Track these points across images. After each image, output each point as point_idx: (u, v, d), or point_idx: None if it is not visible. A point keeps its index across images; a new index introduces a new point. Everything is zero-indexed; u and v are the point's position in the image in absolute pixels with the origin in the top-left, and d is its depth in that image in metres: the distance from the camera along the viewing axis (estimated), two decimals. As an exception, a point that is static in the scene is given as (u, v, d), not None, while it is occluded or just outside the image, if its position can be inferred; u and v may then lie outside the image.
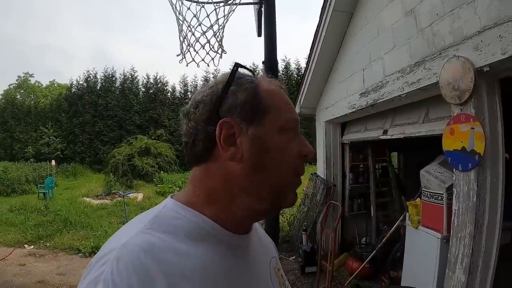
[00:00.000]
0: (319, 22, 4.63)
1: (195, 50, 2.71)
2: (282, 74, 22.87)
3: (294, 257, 5.64)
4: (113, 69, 24.48)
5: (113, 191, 11.46)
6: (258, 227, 0.82)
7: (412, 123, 3.41)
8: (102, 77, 24.12)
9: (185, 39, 2.63)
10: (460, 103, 2.27)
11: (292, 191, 0.66)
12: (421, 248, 3.03)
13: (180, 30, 2.62)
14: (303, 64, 21.40)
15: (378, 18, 3.45)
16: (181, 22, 2.60)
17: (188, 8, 2.46)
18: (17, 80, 32.72)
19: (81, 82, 24.53)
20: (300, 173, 0.67)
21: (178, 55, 2.68)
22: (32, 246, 6.74)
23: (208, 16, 2.50)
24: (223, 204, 0.63)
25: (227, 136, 0.61)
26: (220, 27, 2.66)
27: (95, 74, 24.43)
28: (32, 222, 8.30)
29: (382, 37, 3.39)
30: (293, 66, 22.94)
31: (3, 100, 27.49)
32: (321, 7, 4.41)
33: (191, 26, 2.60)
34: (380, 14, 3.40)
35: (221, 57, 2.81)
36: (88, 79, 24.26)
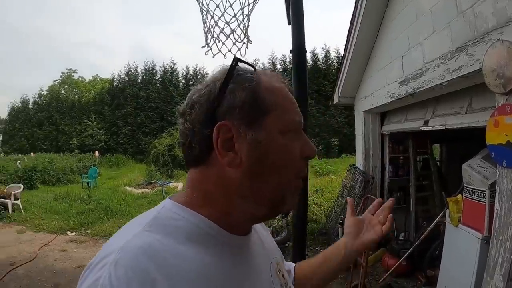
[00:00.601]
0: (355, 8, 4.43)
1: (220, 41, 2.68)
2: (322, 62, 22.45)
3: (330, 250, 5.55)
4: (153, 62, 25.42)
5: (152, 181, 11.89)
6: (260, 228, 0.80)
7: (454, 113, 3.17)
8: (143, 71, 25.09)
9: (209, 30, 2.61)
10: (505, 92, 2.05)
11: (292, 195, 0.63)
12: (460, 247, 2.84)
13: (204, 21, 2.60)
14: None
15: (416, 1, 3.22)
16: (205, 13, 2.58)
17: (211, -1, 2.43)
18: (61, 76, 34.96)
19: (122, 76, 25.74)
20: (302, 176, 0.64)
21: (203, 47, 2.67)
22: (74, 233, 7.13)
23: (231, 5, 2.45)
24: (220, 208, 0.61)
25: (225, 141, 0.58)
26: (245, 16, 2.61)
27: (135, 67, 25.49)
28: (75, 210, 8.77)
29: (421, 21, 3.16)
30: (333, 54, 22.42)
31: (48, 96, 29.49)
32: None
33: (215, 16, 2.57)
34: (418, -3, 3.17)
35: (247, 47, 2.77)
36: (129, 72, 25.33)
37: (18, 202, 8.83)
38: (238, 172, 0.58)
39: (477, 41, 2.30)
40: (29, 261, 5.30)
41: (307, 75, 2.44)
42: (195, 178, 0.63)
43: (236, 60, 0.62)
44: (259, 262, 0.69)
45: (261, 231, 0.79)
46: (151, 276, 0.47)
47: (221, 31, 2.66)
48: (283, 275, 0.76)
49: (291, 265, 0.94)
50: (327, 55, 22.58)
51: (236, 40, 2.72)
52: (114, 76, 26.60)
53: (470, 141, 3.78)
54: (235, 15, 2.54)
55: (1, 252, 5.70)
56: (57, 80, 34.67)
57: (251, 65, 0.65)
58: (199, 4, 2.63)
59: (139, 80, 24.81)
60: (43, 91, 30.52)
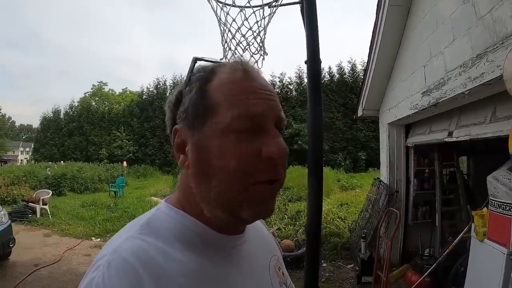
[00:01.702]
0: (376, 20, 4.41)
1: (238, 53, 2.75)
2: (349, 76, 22.28)
3: (352, 265, 5.40)
4: (181, 76, 26.06)
5: (176, 191, 12.09)
6: (260, 225, 0.79)
7: (478, 123, 3.07)
8: (171, 84, 25.86)
9: (227, 43, 2.68)
10: (527, 98, 1.98)
11: (254, 201, 0.56)
12: (485, 263, 2.68)
13: (222, 34, 2.68)
14: (371, 65, 20.70)
15: (436, 9, 3.18)
16: (222, 26, 2.66)
17: (227, 13, 2.51)
18: (92, 88, 36.08)
19: (151, 89, 26.59)
20: (263, 178, 0.55)
21: (221, 59, 2.74)
22: (99, 239, 7.29)
23: (247, 19, 2.52)
24: (195, 209, 0.61)
25: (178, 144, 0.60)
26: (261, 29, 2.67)
27: (164, 81, 26.31)
28: (101, 217, 8.98)
29: (441, 29, 3.12)
30: (359, 67, 22.20)
31: (79, 107, 30.66)
32: (376, 3, 4.20)
33: (232, 29, 2.64)
34: (437, 5, 3.14)
35: (263, 59, 2.81)
36: (158, 86, 26.14)
37: (46, 207, 9.16)
38: (190, 174, 0.59)
39: (496, 47, 2.23)
40: (53, 263, 5.48)
41: (321, 85, 2.44)
42: (179, 179, 0.66)
43: (195, 60, 0.60)
44: (256, 261, 0.68)
45: (261, 228, 0.79)
46: (139, 276, 0.49)
47: (238, 44, 2.73)
48: (283, 273, 0.75)
49: None
50: (353, 68, 22.43)
51: (253, 53, 2.78)
52: (143, 89, 27.58)
53: (498, 153, 3.61)
54: (250, 28, 2.61)
55: (27, 253, 5.91)
56: (88, 92, 35.98)
57: (212, 61, 0.62)
58: (217, 17, 2.71)
59: (167, 94, 25.48)
60: (74, 102, 31.76)
